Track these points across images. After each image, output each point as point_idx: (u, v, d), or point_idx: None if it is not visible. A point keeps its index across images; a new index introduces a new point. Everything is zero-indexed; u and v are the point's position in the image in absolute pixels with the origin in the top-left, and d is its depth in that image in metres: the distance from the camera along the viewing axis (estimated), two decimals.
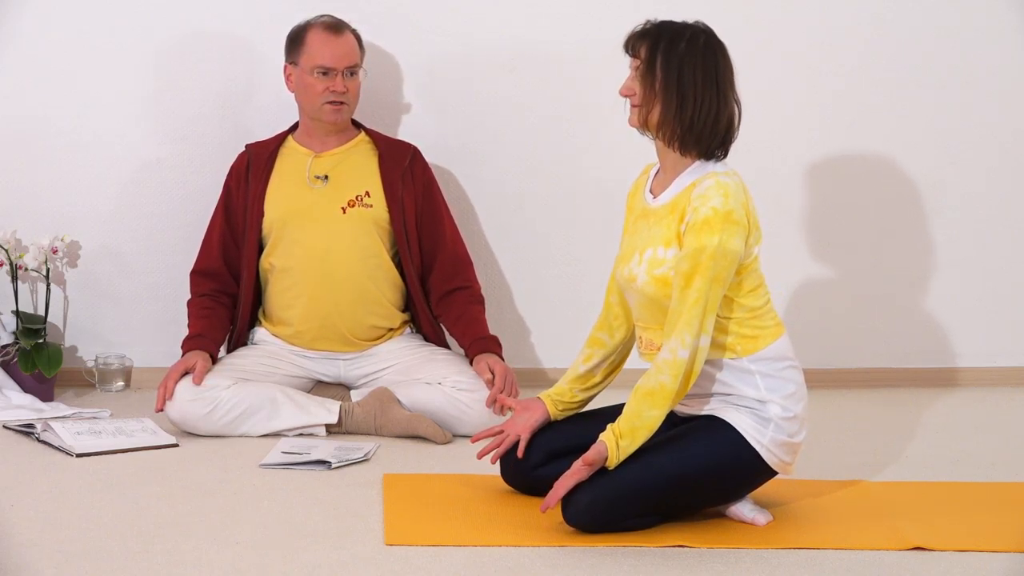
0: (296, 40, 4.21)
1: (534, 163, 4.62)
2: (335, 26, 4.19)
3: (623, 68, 3.29)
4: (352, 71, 4.19)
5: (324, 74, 4.16)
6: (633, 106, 3.27)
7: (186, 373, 4.02)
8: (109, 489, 3.52)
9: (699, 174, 3.25)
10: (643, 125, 3.26)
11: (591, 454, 3.17)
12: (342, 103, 4.18)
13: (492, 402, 3.91)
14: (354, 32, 4.23)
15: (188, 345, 4.13)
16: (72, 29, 4.47)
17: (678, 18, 3.27)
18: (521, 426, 3.45)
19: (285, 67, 4.24)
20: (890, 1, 4.60)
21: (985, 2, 4.62)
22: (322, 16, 4.22)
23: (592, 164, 4.59)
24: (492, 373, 4.05)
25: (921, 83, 4.65)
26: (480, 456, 3.47)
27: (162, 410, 3.99)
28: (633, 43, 3.26)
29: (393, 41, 4.53)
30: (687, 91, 3.20)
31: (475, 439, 3.50)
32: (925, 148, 4.68)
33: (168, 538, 3.17)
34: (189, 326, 4.20)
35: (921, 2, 4.61)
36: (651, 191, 3.35)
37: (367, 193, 4.20)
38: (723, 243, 3.16)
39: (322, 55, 4.16)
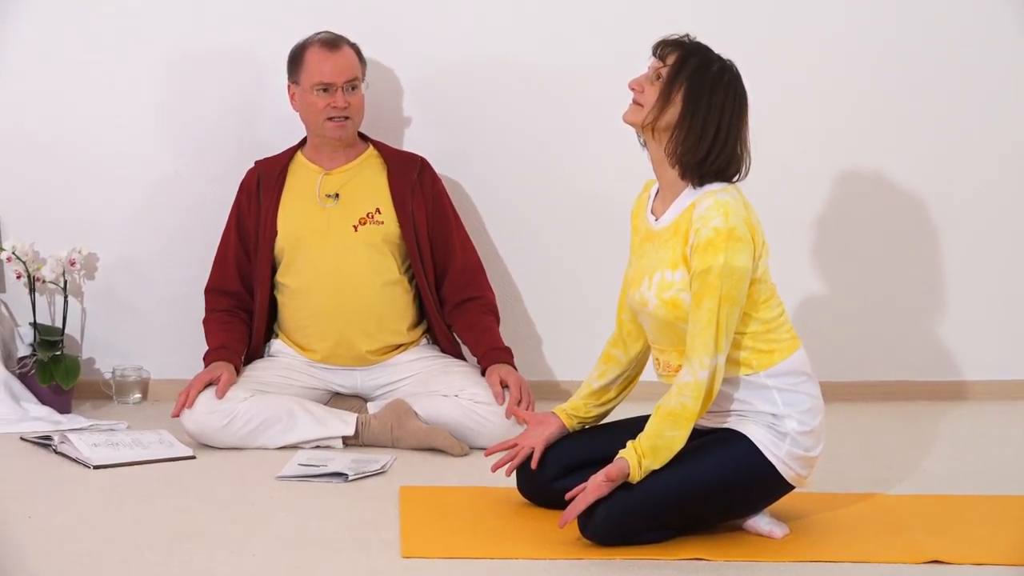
0: (295, 59, 4.20)
1: (545, 174, 4.60)
2: (332, 42, 4.17)
3: (633, 77, 3.29)
4: (352, 85, 4.17)
5: (324, 91, 4.14)
6: (636, 103, 3.25)
7: (210, 384, 4.02)
8: (126, 501, 3.52)
9: (698, 194, 3.23)
10: (644, 126, 3.24)
11: (613, 471, 3.17)
12: (345, 118, 4.16)
13: (511, 414, 3.92)
14: (353, 46, 4.20)
15: (212, 356, 4.12)
16: (89, 42, 4.48)
17: (686, 31, 3.28)
18: (535, 438, 3.45)
19: (288, 87, 4.23)
20: (902, 15, 4.60)
21: (993, 14, 4.60)
22: (320, 33, 4.20)
23: (604, 174, 4.57)
24: (505, 385, 4.06)
25: (934, 95, 4.63)
26: (494, 469, 3.47)
27: (178, 416, 3.99)
28: (664, 48, 3.24)
29: (400, 53, 4.51)
30: (711, 121, 3.18)
31: (488, 452, 3.51)
32: (937, 159, 4.66)
33: (185, 550, 3.17)
34: (209, 340, 4.20)
35: (932, 17, 4.60)
36: (652, 212, 3.35)
37: (378, 210, 4.20)
38: (728, 261, 3.15)
39: (320, 71, 4.14)
